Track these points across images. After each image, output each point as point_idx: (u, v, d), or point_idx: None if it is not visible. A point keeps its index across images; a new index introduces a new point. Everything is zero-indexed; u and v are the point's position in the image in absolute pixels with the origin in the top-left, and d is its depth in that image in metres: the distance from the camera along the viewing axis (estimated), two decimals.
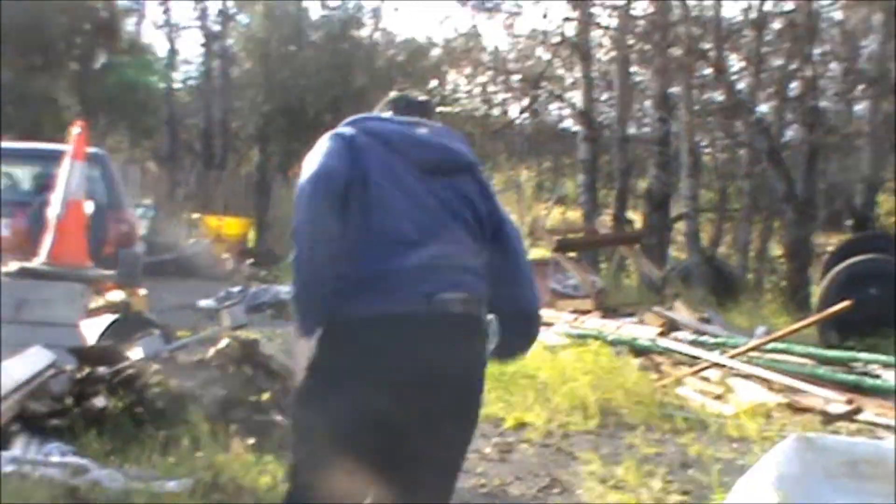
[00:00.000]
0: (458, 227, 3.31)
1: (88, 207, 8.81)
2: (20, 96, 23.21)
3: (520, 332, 3.49)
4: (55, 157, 9.17)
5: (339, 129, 3.40)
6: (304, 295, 3.22)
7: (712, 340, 10.14)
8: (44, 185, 10.48)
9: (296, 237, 3.21)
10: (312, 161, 3.27)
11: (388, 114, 3.55)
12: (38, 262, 8.06)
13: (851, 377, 8.55)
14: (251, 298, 14.73)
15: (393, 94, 3.70)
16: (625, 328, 10.90)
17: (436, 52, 28.78)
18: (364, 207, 3.22)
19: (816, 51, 18.56)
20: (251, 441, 5.76)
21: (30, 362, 6.48)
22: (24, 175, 12.70)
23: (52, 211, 8.21)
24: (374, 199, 3.23)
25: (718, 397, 8.59)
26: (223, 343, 6.57)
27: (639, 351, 10.01)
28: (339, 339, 3.18)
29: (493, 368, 8.56)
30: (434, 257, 3.20)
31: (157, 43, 36.75)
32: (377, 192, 3.23)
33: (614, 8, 20.51)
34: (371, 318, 3.14)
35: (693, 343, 10.06)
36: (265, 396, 6.29)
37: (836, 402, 8.05)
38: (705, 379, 9.11)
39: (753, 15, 19.47)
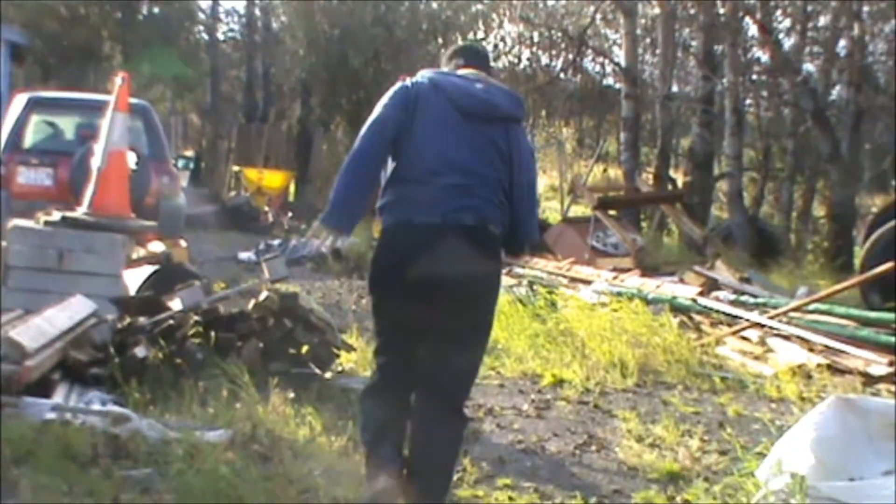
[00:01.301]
0: (482, 163, 4.23)
1: (131, 158, 8.84)
2: (63, 47, 23.32)
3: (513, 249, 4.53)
4: (98, 107, 9.20)
5: (410, 80, 4.34)
6: (339, 192, 4.20)
7: (753, 300, 10.07)
8: (87, 135, 10.51)
9: (349, 158, 4.23)
10: (379, 106, 4.26)
11: (458, 66, 4.51)
12: (80, 212, 8.12)
13: (894, 339, 8.45)
14: (291, 251, 14.80)
15: (461, 43, 4.71)
16: (665, 287, 10.84)
17: (478, 7, 28.55)
18: (408, 145, 4.20)
19: (865, 8, 18.26)
20: (290, 393, 5.79)
21: (71, 311, 6.55)
22: (67, 125, 12.73)
23: (95, 161, 8.24)
24: (416, 139, 4.20)
25: (758, 357, 8.54)
26: (263, 296, 6.58)
27: (678, 310, 9.95)
28: (382, 239, 4.31)
29: (531, 326, 8.63)
30: (453, 186, 4.14)
31: None
32: (420, 133, 4.20)
33: None
34: (399, 224, 4.21)
35: (733, 303, 10.00)
36: (304, 349, 6.33)
37: (878, 364, 7.96)
38: (745, 339, 9.06)
39: None
